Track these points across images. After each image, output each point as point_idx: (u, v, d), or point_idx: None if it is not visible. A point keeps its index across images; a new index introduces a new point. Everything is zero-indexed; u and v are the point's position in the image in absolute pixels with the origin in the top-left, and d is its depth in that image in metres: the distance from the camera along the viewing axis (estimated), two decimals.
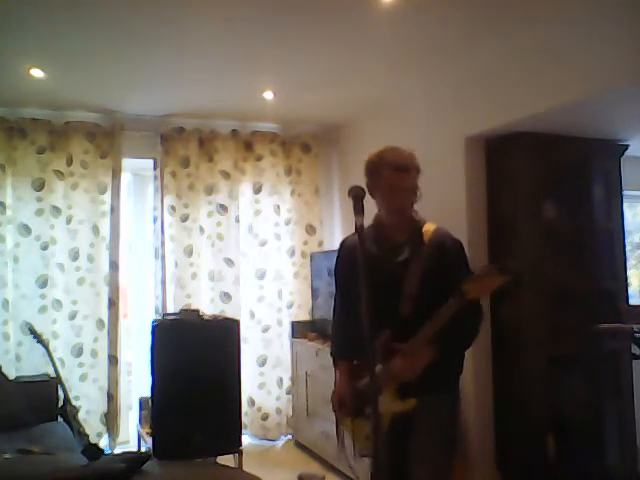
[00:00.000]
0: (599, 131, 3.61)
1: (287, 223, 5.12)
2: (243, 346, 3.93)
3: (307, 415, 4.56)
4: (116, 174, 4.57)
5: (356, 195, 1.87)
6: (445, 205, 3.46)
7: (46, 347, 3.82)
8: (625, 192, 3.91)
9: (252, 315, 4.96)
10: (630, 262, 4.45)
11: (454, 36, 3.23)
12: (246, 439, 4.68)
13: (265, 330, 4.98)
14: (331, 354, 2.46)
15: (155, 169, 4.77)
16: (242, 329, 3.88)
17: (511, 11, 2.91)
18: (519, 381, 3.49)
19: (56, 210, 4.44)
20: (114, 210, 4.54)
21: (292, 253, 5.11)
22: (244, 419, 4.35)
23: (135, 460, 1.93)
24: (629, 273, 4.03)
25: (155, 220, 4.73)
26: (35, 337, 3.82)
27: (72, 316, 4.45)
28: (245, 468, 3.58)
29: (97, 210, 4.55)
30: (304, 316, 5.04)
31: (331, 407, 2.35)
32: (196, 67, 3.71)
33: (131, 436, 4.68)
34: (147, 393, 3.63)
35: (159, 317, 4.35)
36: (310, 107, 4.66)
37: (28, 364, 4.22)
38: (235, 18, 3.01)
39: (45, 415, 3.66)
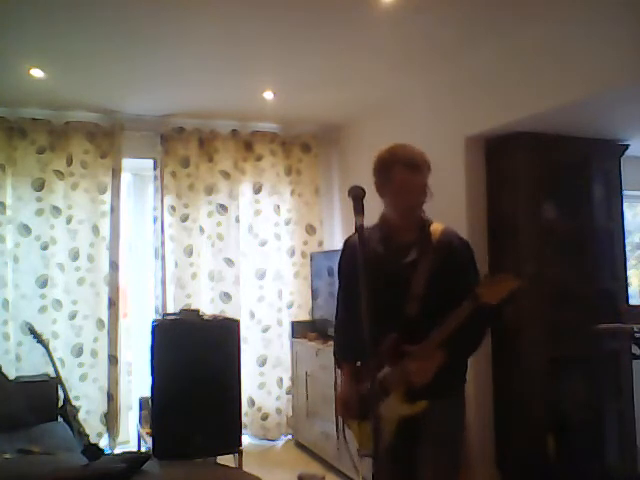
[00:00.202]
0: (599, 131, 3.61)
1: (287, 223, 5.12)
2: (243, 346, 3.93)
3: (307, 415, 4.56)
4: (116, 174, 4.57)
5: (356, 195, 1.84)
6: (445, 205, 3.43)
7: (46, 347, 3.82)
8: (625, 192, 3.91)
9: (252, 315, 4.96)
10: (630, 262, 4.45)
11: (454, 36, 3.24)
12: (246, 439, 4.68)
13: (265, 330, 4.98)
14: (334, 355, 2.42)
15: (155, 169, 4.77)
16: (242, 329, 3.88)
17: (511, 11, 2.91)
18: (519, 381, 3.49)
19: (56, 210, 4.44)
20: (114, 210, 4.54)
21: (292, 253, 5.11)
22: (244, 419, 4.35)
23: (135, 460, 1.93)
24: (629, 273, 4.03)
25: (155, 220, 4.73)
26: (35, 337, 3.82)
27: (72, 316, 4.45)
28: (245, 468, 3.58)
29: (97, 210, 4.55)
30: (304, 316, 5.04)
31: (336, 410, 2.30)
32: (196, 67, 3.71)
33: (131, 436, 4.69)
34: (147, 393, 3.64)
35: (159, 317, 4.36)
36: (310, 107, 4.66)
37: (28, 364, 4.22)
38: (235, 18, 3.01)
39: (45, 415, 3.66)
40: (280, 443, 4.94)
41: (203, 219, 4.83)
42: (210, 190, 4.84)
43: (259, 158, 5.04)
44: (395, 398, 2.07)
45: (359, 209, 1.83)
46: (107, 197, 4.56)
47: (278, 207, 5.10)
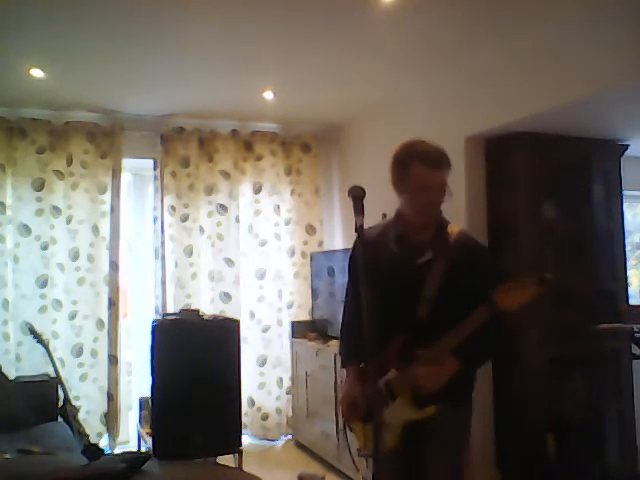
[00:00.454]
0: (599, 131, 3.61)
1: (287, 223, 5.12)
2: (243, 346, 3.93)
3: (307, 415, 4.56)
4: (116, 174, 4.57)
5: (356, 195, 1.81)
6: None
7: (46, 347, 3.82)
8: (625, 192, 3.91)
9: (252, 315, 4.96)
10: (630, 262, 4.45)
11: (454, 36, 3.24)
12: (246, 439, 4.68)
13: (265, 330, 4.98)
14: (340, 354, 2.35)
15: (155, 169, 4.77)
16: (242, 329, 3.88)
17: (511, 11, 2.91)
18: (519, 381, 3.49)
19: (56, 210, 4.44)
20: (114, 210, 4.55)
21: (292, 253, 5.11)
22: (244, 419, 4.35)
23: (135, 460, 1.93)
24: (629, 273, 4.03)
25: (155, 220, 4.73)
26: (35, 337, 3.82)
27: (72, 316, 4.45)
28: (245, 468, 3.58)
29: (97, 210, 4.56)
30: (304, 316, 5.04)
31: (341, 410, 2.22)
32: (196, 67, 3.71)
33: (131, 436, 4.69)
34: (147, 393, 3.63)
35: (159, 317, 4.36)
36: (310, 107, 4.66)
37: (28, 364, 4.22)
38: (235, 18, 3.01)
39: (45, 415, 3.65)
40: (280, 443, 4.94)
41: (203, 219, 4.83)
42: (210, 190, 4.84)
43: (259, 158, 5.04)
44: (401, 402, 2.02)
45: (359, 209, 1.80)
46: (107, 197, 4.56)
47: (278, 207, 5.10)
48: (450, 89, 3.81)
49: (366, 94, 4.30)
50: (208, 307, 4.72)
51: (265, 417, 4.94)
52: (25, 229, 4.35)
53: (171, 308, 4.61)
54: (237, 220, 4.90)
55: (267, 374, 4.97)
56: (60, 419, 3.72)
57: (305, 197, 5.18)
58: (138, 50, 3.42)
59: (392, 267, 2.06)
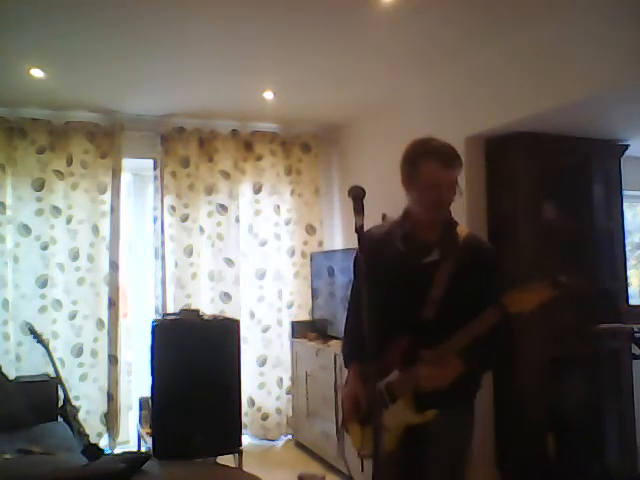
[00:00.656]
0: (599, 131, 3.61)
1: (287, 223, 5.12)
2: (243, 346, 3.93)
3: (307, 415, 4.56)
4: (116, 174, 4.57)
5: (356, 195, 1.78)
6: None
7: (46, 347, 3.82)
8: (625, 192, 3.91)
9: (252, 315, 4.96)
10: (630, 262, 4.45)
11: (454, 36, 3.24)
12: (246, 439, 4.68)
13: (265, 330, 4.98)
14: (342, 353, 2.29)
15: (155, 169, 4.77)
16: (242, 329, 3.88)
17: (511, 11, 2.91)
18: (519, 381, 3.49)
19: (56, 210, 4.44)
20: (114, 210, 4.55)
21: (292, 253, 5.11)
22: (244, 419, 4.35)
23: (135, 460, 1.93)
24: (629, 273, 4.03)
25: (155, 220, 4.73)
26: (35, 337, 3.82)
27: (72, 316, 4.45)
28: (245, 468, 3.58)
29: (97, 210, 4.56)
30: (304, 316, 5.04)
31: (342, 409, 2.17)
32: (196, 67, 3.72)
33: (131, 436, 4.68)
34: (147, 393, 3.63)
35: (159, 317, 4.36)
36: (310, 107, 4.66)
37: (28, 364, 4.22)
38: (235, 18, 3.01)
39: (45, 415, 3.66)
40: (280, 443, 4.94)
41: (203, 219, 4.83)
42: (210, 190, 4.84)
43: (259, 158, 5.04)
44: (402, 405, 1.99)
45: (359, 209, 1.77)
46: (107, 197, 4.56)
47: (278, 207, 5.10)
48: (450, 89, 3.81)
49: (366, 94, 4.30)
50: (208, 307, 4.72)
51: (265, 417, 4.94)
52: (25, 229, 4.35)
53: (171, 308, 4.61)
54: (237, 220, 4.90)
55: (267, 374, 4.98)
56: (60, 419, 3.72)
57: (305, 197, 5.18)
58: (138, 50, 3.42)
59: (398, 266, 2.04)
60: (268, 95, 4.26)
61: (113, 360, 4.47)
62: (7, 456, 2.36)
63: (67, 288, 4.45)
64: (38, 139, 4.40)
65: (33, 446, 2.76)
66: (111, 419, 4.46)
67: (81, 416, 4.00)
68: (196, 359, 3.47)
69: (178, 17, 2.97)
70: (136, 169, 5.01)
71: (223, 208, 4.87)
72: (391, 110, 4.42)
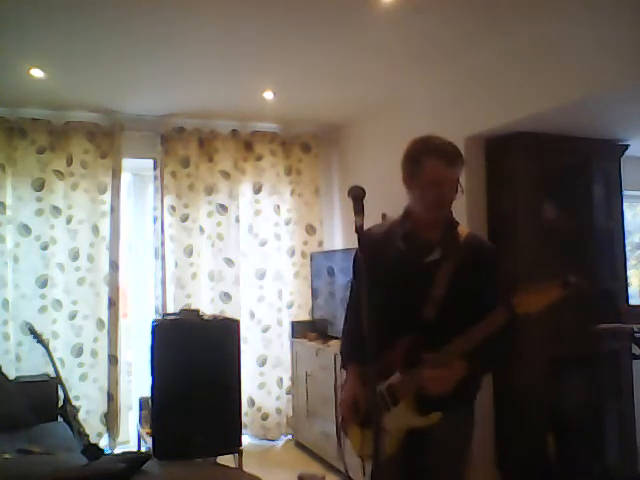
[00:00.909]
0: (599, 131, 3.61)
1: (287, 223, 5.12)
2: (243, 346, 3.93)
3: (307, 415, 4.56)
4: (116, 174, 4.57)
5: (356, 195, 1.76)
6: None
7: (46, 347, 3.82)
8: (625, 192, 3.91)
9: (252, 315, 4.96)
10: (630, 262, 4.45)
11: (454, 36, 3.24)
12: (246, 439, 4.68)
13: (265, 330, 4.98)
14: (340, 354, 2.26)
15: (155, 169, 4.77)
16: (242, 329, 3.88)
17: (511, 11, 2.91)
18: (519, 381, 3.49)
19: (56, 210, 4.44)
20: (114, 210, 4.54)
21: (292, 253, 5.11)
22: (244, 419, 4.35)
23: (135, 460, 1.93)
24: (629, 273, 4.03)
25: (155, 220, 4.73)
26: (35, 337, 3.82)
27: (72, 316, 4.45)
28: (245, 468, 3.58)
29: (97, 210, 4.55)
30: (304, 316, 5.04)
31: (341, 412, 2.15)
32: (196, 67, 3.71)
33: (131, 436, 4.68)
34: (147, 393, 3.63)
35: (159, 317, 4.36)
36: (310, 107, 4.66)
37: (28, 364, 4.22)
38: (235, 18, 3.01)
39: (45, 415, 3.65)
40: (280, 443, 4.94)
41: (203, 219, 4.83)
42: (210, 190, 4.84)
43: (259, 158, 5.04)
44: (404, 407, 1.97)
45: (359, 209, 1.76)
46: (107, 197, 4.56)
47: (278, 207, 5.10)
48: (450, 89, 3.81)
49: (366, 94, 4.30)
50: (208, 307, 4.72)
51: (265, 417, 4.94)
52: (25, 229, 4.35)
53: (171, 308, 4.61)
54: (237, 220, 4.90)
55: (267, 374, 4.97)
56: (60, 419, 3.72)
57: (305, 197, 5.18)
58: (138, 50, 3.42)
59: (399, 265, 2.02)
60: (268, 95, 4.25)
61: (113, 360, 4.47)
62: (7, 456, 2.36)
63: (67, 288, 4.45)
64: (38, 139, 4.40)
65: (33, 446, 2.77)
66: (111, 419, 4.46)
67: (81, 416, 4.00)
68: (196, 359, 3.47)
69: (178, 17, 2.97)
70: (136, 169, 5.01)
71: (223, 208, 4.87)
72: (391, 110, 4.42)
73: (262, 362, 4.97)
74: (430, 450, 2.00)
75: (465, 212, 3.61)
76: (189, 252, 4.75)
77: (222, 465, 3.44)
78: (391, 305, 1.98)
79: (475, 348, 1.85)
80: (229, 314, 4.65)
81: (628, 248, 4.14)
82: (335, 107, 4.66)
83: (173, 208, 4.73)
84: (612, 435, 3.70)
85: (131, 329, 5.01)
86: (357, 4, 2.86)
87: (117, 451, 4.31)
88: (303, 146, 5.20)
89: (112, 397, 4.46)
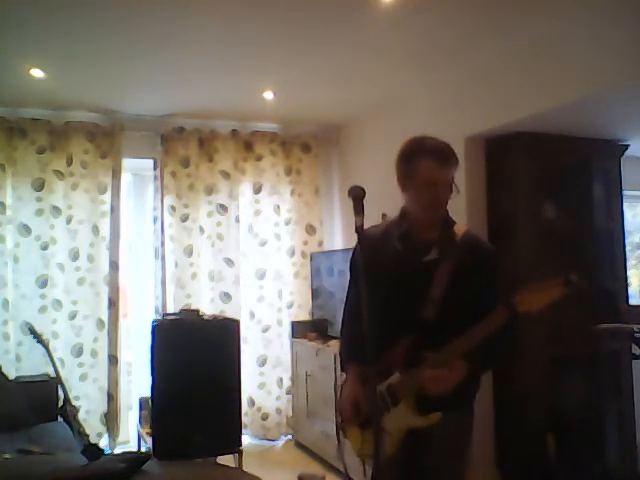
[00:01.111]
0: (599, 131, 3.61)
1: (287, 223, 5.12)
2: (243, 346, 3.93)
3: (307, 415, 4.56)
4: (116, 174, 4.57)
5: (356, 195, 1.77)
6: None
7: (46, 347, 3.82)
8: (625, 192, 3.91)
9: (252, 315, 4.96)
10: (630, 262, 4.45)
11: (454, 36, 3.24)
12: (246, 439, 4.68)
13: (265, 330, 4.98)
14: (340, 355, 2.26)
15: (155, 169, 4.77)
16: (242, 329, 3.88)
17: (511, 11, 2.91)
18: (519, 381, 3.49)
19: (56, 210, 4.44)
20: (114, 210, 4.55)
21: (292, 253, 5.11)
22: (244, 419, 4.35)
23: (135, 460, 1.93)
24: (629, 273, 4.03)
25: (155, 220, 4.73)
26: (35, 337, 3.82)
27: (72, 316, 4.45)
28: (245, 468, 3.58)
29: (97, 210, 4.56)
30: (304, 316, 5.04)
31: (341, 413, 2.15)
32: (196, 67, 3.71)
33: (131, 436, 4.68)
34: (147, 393, 3.63)
35: (159, 317, 4.36)
36: (310, 107, 4.66)
37: (28, 364, 4.22)
38: (235, 18, 3.01)
39: (45, 415, 3.65)
40: (280, 443, 4.94)
41: (203, 219, 4.83)
42: (210, 190, 4.84)
43: (259, 158, 5.04)
44: (405, 408, 1.97)
45: (359, 209, 1.76)
46: (107, 197, 4.57)
47: (278, 207, 5.10)
48: (450, 89, 3.81)
49: (366, 94, 4.30)
50: (208, 307, 4.72)
51: (265, 417, 4.94)
52: (25, 229, 4.35)
53: (171, 308, 4.61)
54: (237, 220, 4.90)
55: (267, 374, 4.97)
56: (60, 419, 3.72)
57: (305, 197, 5.18)
58: (138, 50, 3.42)
59: (396, 265, 2.02)
60: (268, 95, 4.25)
61: (113, 360, 4.47)
62: (7, 456, 2.35)
63: (67, 288, 4.45)
64: (38, 139, 4.40)
65: (33, 446, 2.76)
66: (111, 419, 4.46)
67: (81, 416, 4.00)
68: (196, 359, 3.47)
69: (178, 17, 2.97)
70: (136, 169, 5.01)
71: (223, 208, 4.87)
72: (391, 110, 4.42)
73: (262, 362, 4.96)
74: (430, 450, 2.00)
75: (465, 212, 3.62)
76: (189, 252, 4.75)
77: (222, 465, 3.44)
78: (390, 305, 1.98)
79: (475, 348, 1.85)
80: (229, 314, 4.65)
81: (628, 248, 4.14)
82: (335, 107, 4.66)
83: (173, 208, 4.73)
84: (612, 435, 3.70)
85: (131, 329, 5.01)
86: (357, 4, 2.86)
87: (117, 451, 4.31)
88: (303, 146, 5.20)
89: (112, 397, 4.46)
